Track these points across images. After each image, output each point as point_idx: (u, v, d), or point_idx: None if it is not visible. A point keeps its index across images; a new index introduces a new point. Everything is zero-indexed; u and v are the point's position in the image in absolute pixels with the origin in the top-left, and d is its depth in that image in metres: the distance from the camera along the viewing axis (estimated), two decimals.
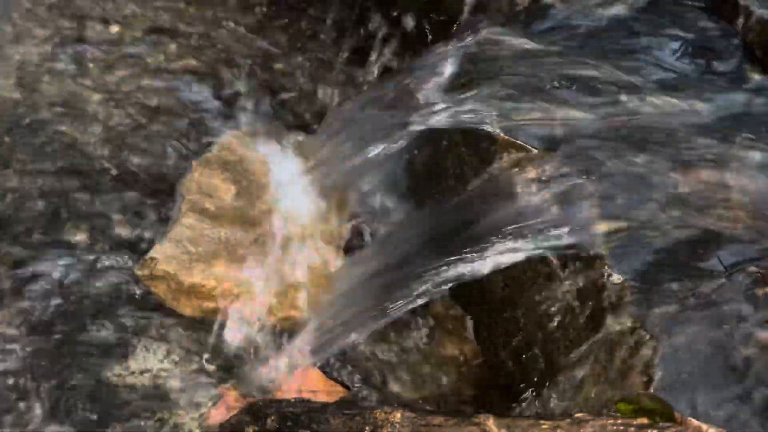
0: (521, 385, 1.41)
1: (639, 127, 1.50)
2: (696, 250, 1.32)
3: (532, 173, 1.40)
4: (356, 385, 1.51)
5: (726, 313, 1.24)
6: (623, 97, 1.54)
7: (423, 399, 1.52)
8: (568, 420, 1.07)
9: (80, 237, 1.60)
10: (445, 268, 1.37)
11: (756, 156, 1.47)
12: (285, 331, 1.53)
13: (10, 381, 1.39)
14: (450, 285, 1.39)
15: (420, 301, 1.41)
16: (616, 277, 1.29)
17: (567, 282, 1.35)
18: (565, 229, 1.35)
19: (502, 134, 1.46)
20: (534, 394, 1.37)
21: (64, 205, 1.64)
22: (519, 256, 1.37)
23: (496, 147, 1.47)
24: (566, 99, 1.53)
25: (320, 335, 1.53)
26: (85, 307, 1.50)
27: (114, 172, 1.72)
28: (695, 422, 1.06)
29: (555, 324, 1.36)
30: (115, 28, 2.02)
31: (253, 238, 1.59)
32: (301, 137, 1.84)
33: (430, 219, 1.57)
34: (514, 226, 1.37)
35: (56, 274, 1.53)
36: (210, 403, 1.42)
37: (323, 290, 1.58)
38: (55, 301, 1.50)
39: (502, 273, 1.42)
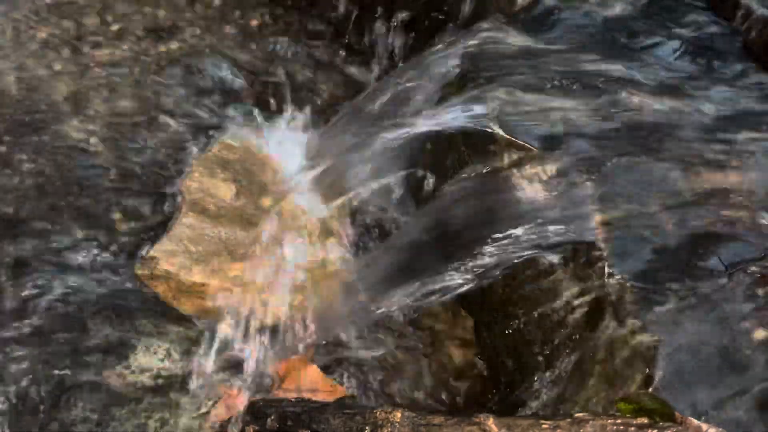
0: (521, 385, 1.41)
1: (639, 127, 1.50)
2: (696, 250, 1.32)
3: (532, 173, 1.40)
4: (356, 386, 1.51)
5: (726, 312, 1.24)
6: (623, 97, 1.54)
7: (423, 399, 1.52)
8: (568, 420, 1.07)
9: (80, 236, 1.60)
10: (448, 274, 1.38)
11: (757, 155, 1.47)
12: (287, 329, 1.53)
13: (11, 381, 1.38)
14: (454, 292, 1.40)
15: (425, 302, 1.42)
16: (617, 277, 1.28)
17: (567, 281, 1.35)
18: (566, 229, 1.35)
19: (502, 134, 1.46)
20: (534, 393, 1.37)
21: (65, 205, 1.63)
22: (519, 256, 1.37)
23: (497, 147, 1.47)
24: (567, 98, 1.53)
25: (323, 333, 1.53)
26: (85, 307, 1.50)
27: (114, 171, 1.72)
28: (695, 422, 1.06)
29: (555, 324, 1.36)
30: (115, 27, 2.02)
31: (254, 237, 1.59)
32: (302, 136, 1.84)
33: (431, 219, 1.57)
34: (514, 226, 1.37)
35: (56, 274, 1.53)
36: (210, 403, 1.42)
37: (326, 288, 1.58)
38: (56, 301, 1.50)
39: (502, 273, 1.42)
